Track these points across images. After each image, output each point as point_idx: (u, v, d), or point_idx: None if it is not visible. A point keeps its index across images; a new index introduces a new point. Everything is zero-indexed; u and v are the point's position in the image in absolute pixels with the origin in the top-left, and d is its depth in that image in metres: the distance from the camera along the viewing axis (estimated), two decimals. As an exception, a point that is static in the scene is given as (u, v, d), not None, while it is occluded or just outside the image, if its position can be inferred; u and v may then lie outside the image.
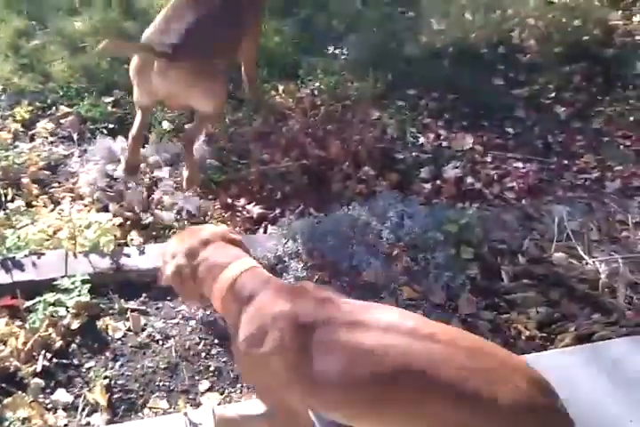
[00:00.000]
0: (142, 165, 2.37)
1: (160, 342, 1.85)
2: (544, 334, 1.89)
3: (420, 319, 1.26)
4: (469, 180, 2.54)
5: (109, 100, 2.72)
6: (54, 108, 2.65)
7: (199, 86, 2.10)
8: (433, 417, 1.14)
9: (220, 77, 2.23)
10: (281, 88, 2.94)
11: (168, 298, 1.95)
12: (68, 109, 2.63)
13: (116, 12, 3.23)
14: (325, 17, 3.47)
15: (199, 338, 1.88)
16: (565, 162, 2.71)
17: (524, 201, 2.44)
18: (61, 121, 2.57)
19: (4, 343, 1.76)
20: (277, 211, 2.39)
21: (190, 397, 1.71)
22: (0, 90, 2.68)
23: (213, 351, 1.85)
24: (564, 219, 2.20)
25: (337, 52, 3.07)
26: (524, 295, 1.95)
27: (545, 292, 2.00)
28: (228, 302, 1.37)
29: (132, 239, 2.13)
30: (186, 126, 2.52)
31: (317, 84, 2.95)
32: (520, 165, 2.71)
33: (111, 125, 2.61)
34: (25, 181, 2.22)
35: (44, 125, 2.45)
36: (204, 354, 1.82)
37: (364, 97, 2.91)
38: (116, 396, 1.69)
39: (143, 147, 2.45)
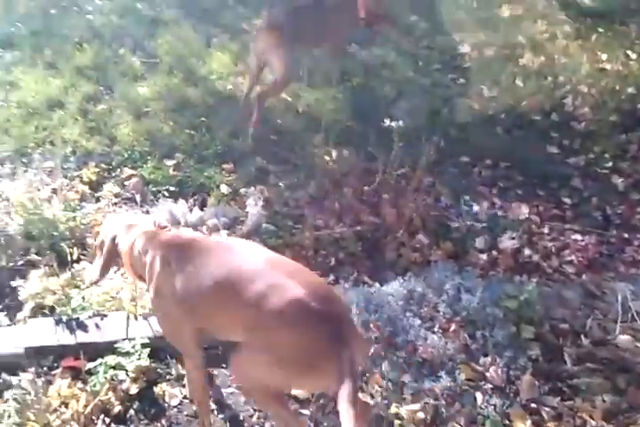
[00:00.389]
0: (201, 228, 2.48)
1: (215, 412, 1.88)
2: (611, 426, 1.83)
3: (265, 252, 1.62)
4: (527, 251, 2.54)
5: (171, 163, 2.87)
6: (119, 170, 2.80)
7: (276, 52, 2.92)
8: (240, 319, 1.48)
9: (290, 54, 2.97)
10: (334, 154, 3.05)
11: (223, 366, 1.99)
12: (131, 172, 2.78)
13: (178, 78, 3.46)
14: (378, 84, 3.62)
15: (253, 410, 1.90)
16: (626, 235, 2.70)
17: (584, 276, 2.42)
18: (125, 183, 2.71)
19: (66, 406, 1.81)
20: (331, 277, 2.43)
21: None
22: (69, 152, 2.86)
23: (267, 425, 1.86)
24: (628, 298, 2.17)
25: (390, 118, 3.20)
26: (588, 381, 1.90)
27: (611, 378, 1.95)
28: (132, 266, 1.74)
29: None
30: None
31: (370, 148, 3.06)
32: (579, 237, 2.71)
33: (172, 188, 2.73)
34: (90, 241, 2.33)
35: (109, 189, 2.59)
36: (256, 427, 1.84)
37: (417, 164, 3.00)
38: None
39: (202, 210, 2.57)
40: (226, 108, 3.28)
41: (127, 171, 2.79)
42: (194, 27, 3.99)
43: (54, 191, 2.49)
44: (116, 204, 2.62)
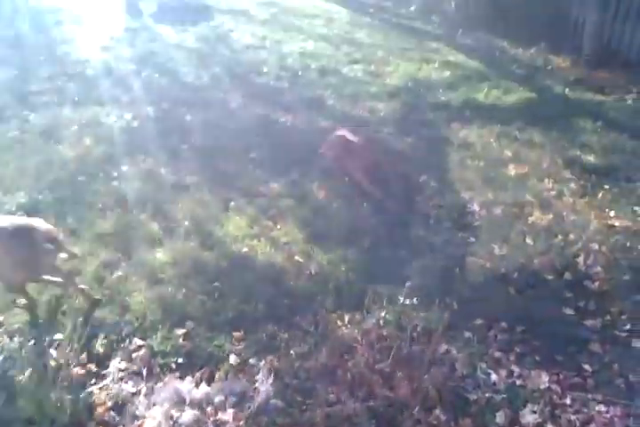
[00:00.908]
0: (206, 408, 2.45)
1: None
2: None
3: None
4: (550, 427, 2.46)
5: (181, 332, 2.91)
6: (128, 340, 2.86)
7: None
8: None
9: None
10: (347, 318, 3.10)
11: None
12: (141, 342, 2.82)
13: (194, 242, 3.67)
14: (388, 245, 3.78)
15: None
16: (653, 408, 2.60)
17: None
18: (133, 355, 2.74)
19: None
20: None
21: None
22: (80, 322, 2.94)
23: None
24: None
25: (401, 279, 3.29)
26: None
27: None
28: None
29: None
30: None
31: (383, 313, 3.11)
32: (603, 408, 2.62)
33: (180, 360, 2.75)
34: (91, 424, 2.30)
35: (117, 364, 2.62)
36: None
37: (430, 328, 3.02)
38: None
39: (209, 385, 2.56)
40: (239, 271, 3.43)
41: (136, 341, 2.83)
42: (212, 190, 4.31)
43: (59, 367, 2.53)
44: (122, 378, 2.62)
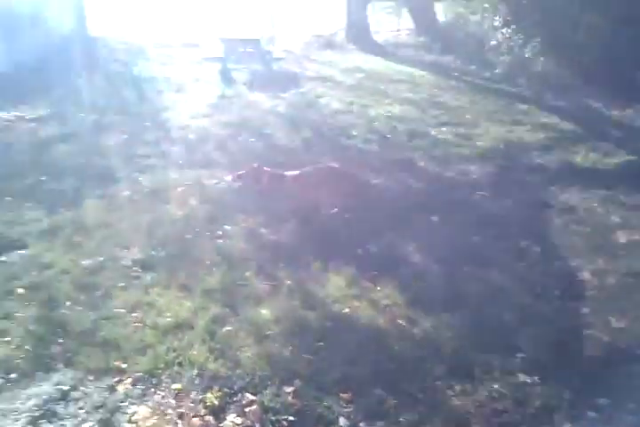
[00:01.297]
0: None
1: None
2: None
3: None
4: None
5: (290, 389, 3.01)
6: (240, 394, 2.98)
7: None
8: None
9: None
10: (457, 388, 3.07)
11: None
12: (252, 397, 2.93)
13: (297, 302, 3.81)
14: (494, 311, 3.76)
15: None
16: None
17: None
18: (246, 409, 2.85)
19: None
20: None
21: None
22: (195, 374, 3.11)
23: None
24: None
25: (511, 349, 3.25)
26: None
27: None
28: None
29: None
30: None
31: (496, 385, 3.06)
32: None
33: (291, 418, 2.84)
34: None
35: (232, 419, 2.73)
36: None
37: (551, 405, 2.93)
38: None
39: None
40: (342, 331, 3.51)
41: (248, 396, 2.94)
42: (311, 250, 4.50)
43: (180, 416, 2.67)
44: (237, 433, 2.73)
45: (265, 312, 3.67)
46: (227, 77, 10.98)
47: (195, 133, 7.54)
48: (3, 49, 10.61)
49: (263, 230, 4.86)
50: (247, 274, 4.12)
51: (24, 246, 4.57)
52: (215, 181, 5.98)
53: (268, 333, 3.46)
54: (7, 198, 5.40)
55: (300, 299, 3.84)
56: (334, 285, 4.02)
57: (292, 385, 3.04)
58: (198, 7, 21.16)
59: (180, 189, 5.67)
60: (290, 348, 3.32)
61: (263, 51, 12.12)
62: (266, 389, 3.01)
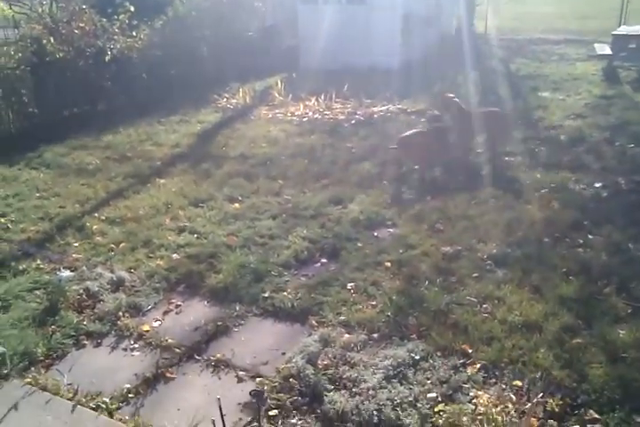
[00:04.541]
0: None
1: None
2: None
3: None
4: None
5: (640, 420, 2.82)
6: (583, 409, 2.90)
7: None
8: None
9: None
10: None
11: None
12: (596, 416, 2.83)
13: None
14: None
15: None
16: None
17: None
18: (588, 425, 2.79)
19: None
20: None
21: None
22: (538, 376, 3.13)
23: None
24: None
25: None
26: None
27: None
28: None
29: None
30: None
31: None
32: None
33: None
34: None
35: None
36: None
37: None
38: None
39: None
40: None
41: (592, 413, 2.86)
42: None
43: (522, 414, 2.76)
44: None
45: (623, 333, 3.43)
46: (611, 76, 10.24)
47: (567, 134, 7.32)
48: (399, 49, 11.94)
49: (631, 245, 4.51)
50: (606, 290, 3.90)
51: (394, 226, 5.20)
52: (583, 187, 5.74)
53: (624, 355, 3.25)
54: (384, 182, 6.17)
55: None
56: None
57: (645, 416, 2.83)
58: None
59: (543, 191, 5.63)
60: (647, 377, 3.07)
61: (661, 47, 10.90)
62: (614, 412, 2.86)
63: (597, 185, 5.71)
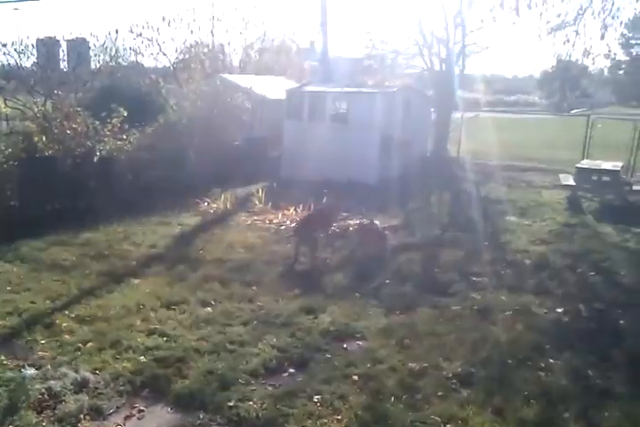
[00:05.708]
0: None
1: None
2: None
3: None
4: None
5: None
6: None
7: None
8: None
9: None
10: None
11: None
12: None
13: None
14: None
15: None
16: None
17: None
18: None
19: None
20: None
21: None
22: None
23: None
24: None
25: None
26: None
27: None
28: None
29: None
30: None
31: None
32: None
33: None
34: None
35: None
36: None
37: None
38: None
39: None
40: None
41: None
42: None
43: None
44: None
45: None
46: (575, 205, 10.98)
47: (531, 259, 7.73)
48: (376, 167, 12.76)
49: (590, 372, 4.70)
50: (566, 415, 4.04)
51: (363, 339, 5.35)
52: (545, 311, 6.02)
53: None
54: (356, 294, 6.40)
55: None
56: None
57: None
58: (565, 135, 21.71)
59: (507, 313, 5.89)
60: None
61: (620, 181, 11.80)
62: None
63: (559, 310, 6.00)
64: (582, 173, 12.19)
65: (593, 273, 7.21)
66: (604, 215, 10.26)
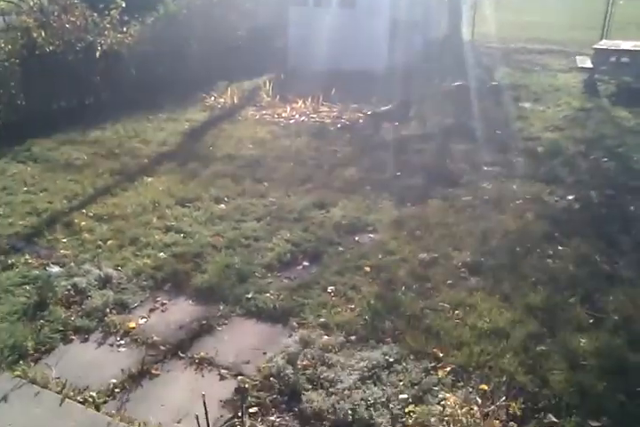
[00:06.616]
0: None
1: None
2: None
3: None
4: None
5: (595, 424, 3.01)
6: (543, 413, 3.10)
7: None
8: None
9: None
10: None
11: None
12: (554, 420, 3.04)
13: (622, 340, 3.70)
14: None
15: None
16: None
17: None
18: (540, 431, 3.01)
19: None
20: None
21: None
22: (503, 381, 3.34)
23: None
24: None
25: None
26: None
27: None
28: None
29: None
30: None
31: None
32: None
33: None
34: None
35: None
36: None
37: None
38: None
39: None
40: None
41: (551, 417, 3.07)
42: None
43: (486, 416, 2.96)
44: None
45: (584, 342, 3.66)
46: (591, 89, 10.54)
47: (544, 146, 7.57)
48: (387, 53, 12.16)
49: (597, 258, 4.75)
50: (571, 300, 4.13)
51: (375, 231, 5.39)
52: (556, 199, 5.98)
53: (584, 363, 3.48)
54: (367, 188, 6.35)
55: (625, 338, 3.71)
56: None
57: (599, 421, 3.05)
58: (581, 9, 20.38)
59: (518, 202, 5.86)
60: (604, 383, 3.29)
61: None
62: (570, 416, 3.07)
63: (570, 198, 5.95)
64: (600, 54, 11.58)
65: (606, 159, 7.07)
66: (621, 99, 9.87)
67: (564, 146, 7.56)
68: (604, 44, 12.33)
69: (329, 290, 4.39)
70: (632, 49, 11.32)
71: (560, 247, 4.92)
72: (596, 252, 4.84)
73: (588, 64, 11.55)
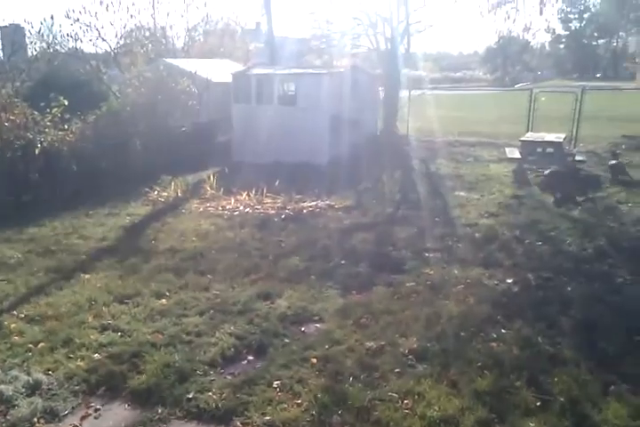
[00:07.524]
0: None
1: None
2: None
3: None
4: None
5: None
6: None
7: None
8: None
9: None
10: None
11: None
12: None
13: (569, 422, 3.70)
14: None
15: None
16: None
17: None
18: None
19: None
20: None
21: None
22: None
23: None
24: None
25: None
26: None
27: None
28: None
29: None
30: None
31: None
32: None
33: None
34: None
35: None
36: None
37: None
38: None
39: None
40: None
41: None
42: (591, 369, 4.32)
43: None
44: None
45: (533, 426, 3.65)
46: (521, 177, 11.21)
47: (481, 232, 7.87)
48: (328, 148, 12.73)
49: (539, 339, 4.84)
50: (517, 383, 4.15)
51: (321, 321, 5.36)
52: (495, 282, 6.15)
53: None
54: (312, 277, 6.39)
55: (572, 420, 3.73)
56: (614, 413, 3.80)
57: None
58: (507, 109, 22.05)
59: (460, 287, 6.00)
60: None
61: (564, 153, 12.10)
62: None
63: (509, 281, 6.14)
64: (527, 146, 12.43)
65: (540, 243, 7.40)
66: (550, 186, 10.51)
67: (499, 231, 7.90)
68: (530, 136, 13.29)
69: (275, 385, 4.27)
70: (555, 140, 12.25)
71: (503, 330, 5.00)
72: (537, 333, 4.94)
73: (517, 155, 12.37)
